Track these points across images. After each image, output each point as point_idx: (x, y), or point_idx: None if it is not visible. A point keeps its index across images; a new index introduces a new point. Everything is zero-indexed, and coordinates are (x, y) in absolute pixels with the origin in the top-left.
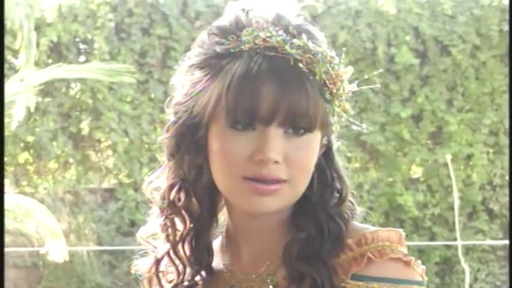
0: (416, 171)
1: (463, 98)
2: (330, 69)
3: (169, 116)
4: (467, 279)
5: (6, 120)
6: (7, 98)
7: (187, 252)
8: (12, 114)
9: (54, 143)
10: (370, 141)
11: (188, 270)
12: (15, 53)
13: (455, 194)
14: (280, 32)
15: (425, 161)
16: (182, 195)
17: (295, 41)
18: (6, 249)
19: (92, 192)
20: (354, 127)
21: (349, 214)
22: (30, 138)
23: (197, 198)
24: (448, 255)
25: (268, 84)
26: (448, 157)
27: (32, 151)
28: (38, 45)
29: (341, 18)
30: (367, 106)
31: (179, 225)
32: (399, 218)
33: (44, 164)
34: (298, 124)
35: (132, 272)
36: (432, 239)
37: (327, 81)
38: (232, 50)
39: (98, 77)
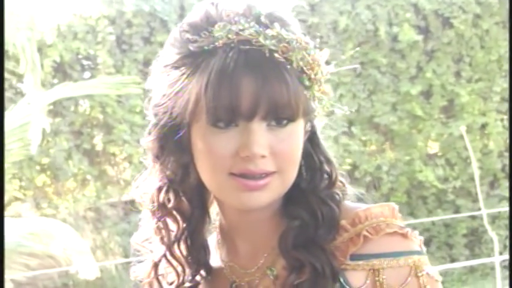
0: (433, 147)
1: (470, 68)
2: (306, 55)
3: (150, 119)
4: (497, 247)
5: (19, 144)
6: (17, 122)
7: (184, 253)
8: (28, 138)
9: (70, 162)
10: (383, 122)
11: (187, 270)
12: (20, 77)
13: (474, 165)
14: (252, 24)
15: (441, 136)
16: (171, 196)
17: (268, 31)
18: (34, 273)
19: (113, 206)
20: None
21: (340, 195)
22: (46, 160)
23: (187, 198)
24: (474, 226)
25: (247, 79)
26: (463, 128)
27: (48, 172)
28: (41, 66)
29: (340, 4)
30: (376, 88)
31: (172, 226)
32: (421, 195)
33: (62, 184)
34: (280, 116)
35: (132, 278)
36: (457, 211)
37: (305, 68)
38: (206, 48)
39: (105, 91)
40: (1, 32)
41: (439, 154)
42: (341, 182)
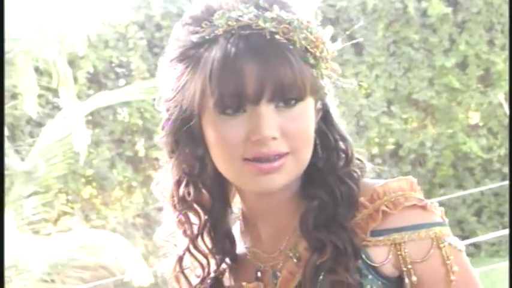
0: (474, 117)
1: (502, 35)
2: (309, 34)
3: (162, 114)
4: None
5: (60, 158)
6: (56, 136)
7: (209, 244)
8: (69, 151)
9: (114, 171)
10: (421, 98)
11: (212, 261)
12: (56, 92)
13: None
14: (251, 9)
15: (480, 105)
16: (191, 189)
17: (267, 14)
18: (89, 285)
19: (162, 210)
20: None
21: (358, 173)
22: (90, 172)
23: (206, 189)
24: None
25: (250, 63)
26: (501, 96)
27: (94, 184)
28: (75, 79)
29: None
30: (411, 64)
31: (194, 219)
32: (468, 167)
33: (108, 194)
34: (287, 96)
35: (159, 274)
36: (504, 179)
37: (308, 47)
38: (207, 37)
39: (141, 96)
40: (1, 32)
41: (481, 124)
42: (358, 159)
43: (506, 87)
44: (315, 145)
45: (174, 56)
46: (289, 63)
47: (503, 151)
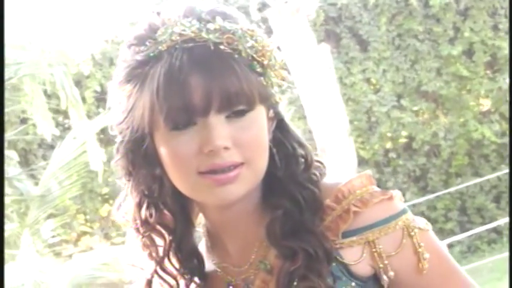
0: (485, 104)
1: (506, 19)
2: (254, 42)
3: (117, 138)
4: None
5: (74, 179)
6: (67, 157)
7: (176, 265)
8: (83, 171)
9: None
10: (430, 89)
11: (182, 281)
12: (65, 114)
13: None
14: (194, 22)
15: (490, 91)
16: (152, 211)
17: (210, 25)
18: None
19: None
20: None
21: (317, 175)
22: (106, 190)
23: (168, 209)
24: None
25: (195, 76)
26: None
27: (111, 201)
28: (83, 99)
29: None
30: (417, 56)
31: (159, 241)
32: (482, 154)
33: None
34: (235, 105)
35: None
36: None
37: (255, 55)
38: (151, 54)
39: None
40: (1, 32)
41: (492, 110)
42: (318, 161)
43: None
44: (272, 154)
45: (121, 77)
46: (234, 72)
47: None
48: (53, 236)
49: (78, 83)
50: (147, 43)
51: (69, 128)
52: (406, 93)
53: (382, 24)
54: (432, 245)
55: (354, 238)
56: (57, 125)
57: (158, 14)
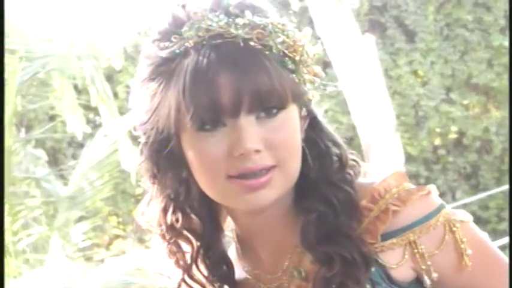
0: None
1: None
2: (285, 37)
3: (141, 139)
4: None
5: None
6: (98, 156)
7: (204, 272)
8: (116, 171)
9: None
10: (481, 81)
11: None
12: (96, 111)
13: None
14: (222, 16)
15: None
16: (179, 215)
17: (239, 20)
18: None
19: None
20: None
21: (351, 174)
22: (139, 190)
23: (195, 214)
24: None
25: (223, 74)
26: None
27: None
28: (115, 95)
29: None
30: (467, 47)
31: (186, 247)
32: None
33: None
34: (267, 105)
35: None
36: None
37: (286, 51)
38: (177, 51)
39: None
40: (1, 32)
41: None
42: (353, 160)
43: None
44: (305, 155)
45: (145, 75)
46: (266, 69)
47: None
48: (84, 240)
49: (109, 78)
50: (173, 39)
51: (100, 126)
52: (455, 86)
53: (430, 13)
54: (474, 238)
55: (395, 240)
56: (88, 122)
57: (183, 6)
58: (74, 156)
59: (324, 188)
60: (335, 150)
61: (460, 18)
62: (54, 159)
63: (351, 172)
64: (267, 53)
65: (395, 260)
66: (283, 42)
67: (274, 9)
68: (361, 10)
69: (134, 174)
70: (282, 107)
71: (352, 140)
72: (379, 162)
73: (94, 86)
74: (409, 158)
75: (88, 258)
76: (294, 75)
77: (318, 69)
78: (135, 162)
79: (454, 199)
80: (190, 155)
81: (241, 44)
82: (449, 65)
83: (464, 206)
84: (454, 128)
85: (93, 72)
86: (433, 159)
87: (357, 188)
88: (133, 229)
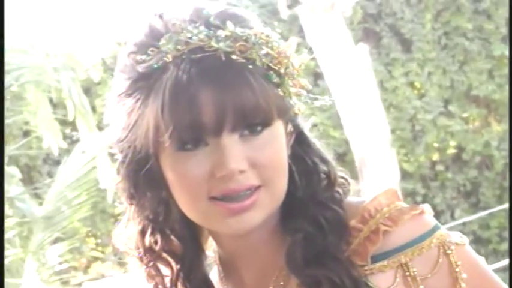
0: None
1: None
2: (269, 49)
3: (117, 156)
4: None
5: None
6: (75, 174)
7: None
8: (93, 190)
9: None
10: (482, 93)
11: None
12: (73, 125)
13: None
14: (202, 28)
15: None
16: (158, 237)
17: (220, 32)
18: None
19: None
20: None
21: (340, 192)
22: (119, 210)
23: (176, 235)
24: None
25: (205, 90)
26: None
27: None
28: (93, 109)
29: None
30: (467, 57)
31: (165, 271)
32: None
33: None
34: (251, 122)
35: None
36: None
37: (271, 64)
38: (155, 66)
39: None
40: (1, 31)
41: None
42: (342, 177)
43: None
44: (291, 172)
45: (121, 90)
46: (250, 85)
47: None
48: (60, 263)
49: (87, 91)
50: (150, 52)
51: (77, 141)
52: (454, 98)
53: (427, 22)
54: (470, 261)
55: (385, 262)
56: (64, 137)
57: (161, 17)
58: (50, 174)
59: (311, 207)
60: (323, 167)
61: (459, 27)
62: (29, 177)
63: (340, 190)
64: (250, 66)
65: (386, 283)
66: (267, 54)
67: (256, 17)
68: (355, 18)
69: (112, 193)
70: (267, 123)
71: (345, 156)
72: (374, 179)
73: (71, 99)
74: (406, 175)
75: (65, 282)
76: (279, 89)
77: (304, 81)
78: (113, 181)
79: (453, 218)
80: (170, 175)
81: (223, 58)
82: (448, 76)
83: (464, 225)
84: (453, 143)
85: (70, 84)
86: (431, 176)
87: (345, 207)
88: (112, 251)
